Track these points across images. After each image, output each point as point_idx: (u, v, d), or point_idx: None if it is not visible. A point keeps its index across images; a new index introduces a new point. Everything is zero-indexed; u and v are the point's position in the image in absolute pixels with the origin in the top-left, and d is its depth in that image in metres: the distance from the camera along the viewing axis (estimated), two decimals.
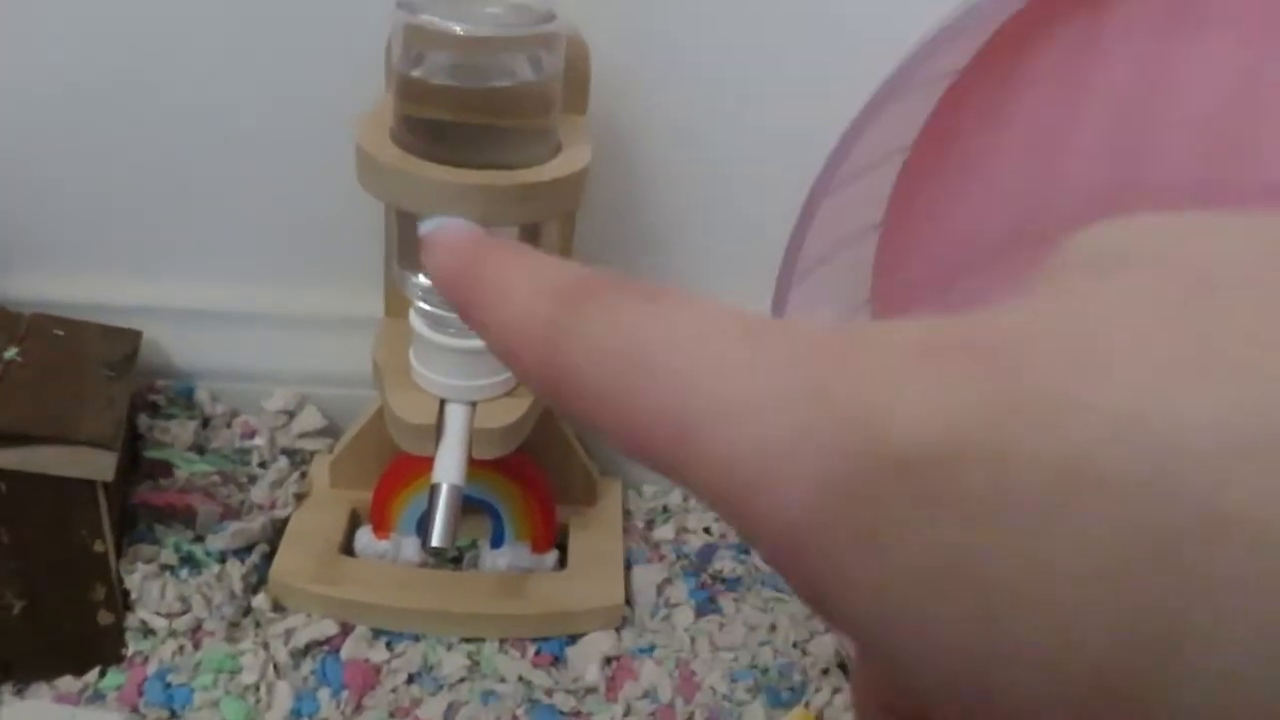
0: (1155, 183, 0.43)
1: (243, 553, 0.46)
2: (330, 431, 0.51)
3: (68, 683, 0.41)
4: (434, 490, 0.38)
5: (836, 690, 0.44)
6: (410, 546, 0.47)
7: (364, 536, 0.47)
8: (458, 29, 0.32)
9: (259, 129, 0.46)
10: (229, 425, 0.50)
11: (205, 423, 0.50)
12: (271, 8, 0.44)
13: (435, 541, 0.37)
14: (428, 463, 0.40)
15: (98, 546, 0.42)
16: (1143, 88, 0.41)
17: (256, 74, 0.45)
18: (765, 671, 0.45)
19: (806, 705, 0.43)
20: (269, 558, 0.46)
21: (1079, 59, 0.41)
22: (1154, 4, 0.39)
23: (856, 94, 0.35)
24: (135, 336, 0.48)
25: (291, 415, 0.51)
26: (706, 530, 0.52)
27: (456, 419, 0.40)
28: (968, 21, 0.34)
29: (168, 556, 0.45)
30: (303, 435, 0.51)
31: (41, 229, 0.49)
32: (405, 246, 0.39)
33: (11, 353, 0.43)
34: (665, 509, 0.53)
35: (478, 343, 0.39)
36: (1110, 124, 0.42)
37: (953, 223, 0.45)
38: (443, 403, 0.40)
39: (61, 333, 0.46)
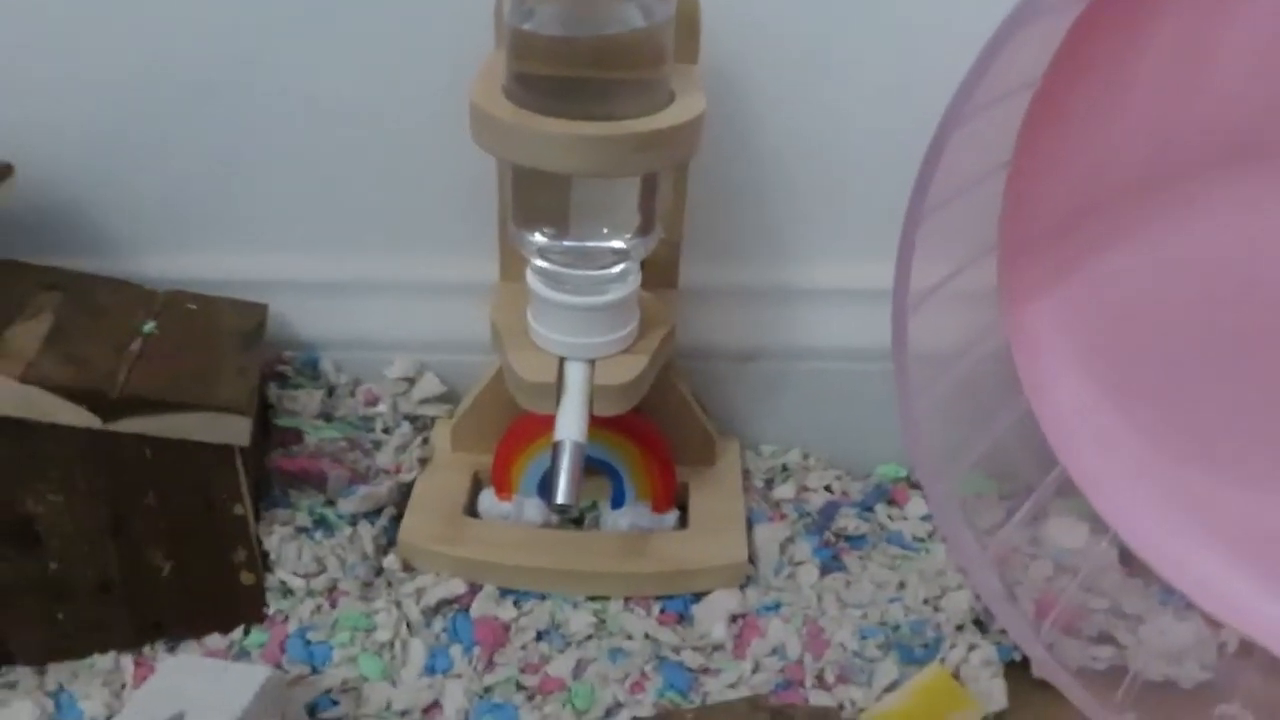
0: None
1: (372, 515, 0.47)
2: (449, 397, 0.52)
3: (214, 640, 0.43)
4: (557, 448, 0.38)
5: (972, 647, 0.43)
6: (532, 507, 0.47)
7: (487, 498, 0.48)
8: None
9: (369, 101, 0.47)
10: (353, 394, 0.52)
11: (330, 391, 0.51)
12: None
13: (560, 499, 0.37)
14: (547, 424, 0.40)
15: (237, 510, 0.44)
16: None
17: (365, 47, 0.46)
18: (896, 629, 0.44)
19: (942, 662, 0.42)
20: (396, 520, 0.47)
21: None
22: None
23: (981, 31, 0.33)
24: (262, 309, 0.49)
25: (411, 382, 0.52)
26: (828, 489, 0.51)
27: (576, 376, 0.40)
28: None
29: (302, 519, 0.46)
30: (423, 401, 0.51)
31: (172, 211, 0.50)
32: (520, 204, 0.39)
33: (149, 326, 0.45)
34: (785, 468, 0.52)
35: (595, 299, 0.39)
36: (1256, 45, 0.39)
37: (1081, 161, 0.43)
38: (562, 361, 0.40)
39: (194, 307, 0.48)
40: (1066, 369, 0.46)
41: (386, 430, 0.50)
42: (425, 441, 0.50)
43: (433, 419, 0.51)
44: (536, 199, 0.38)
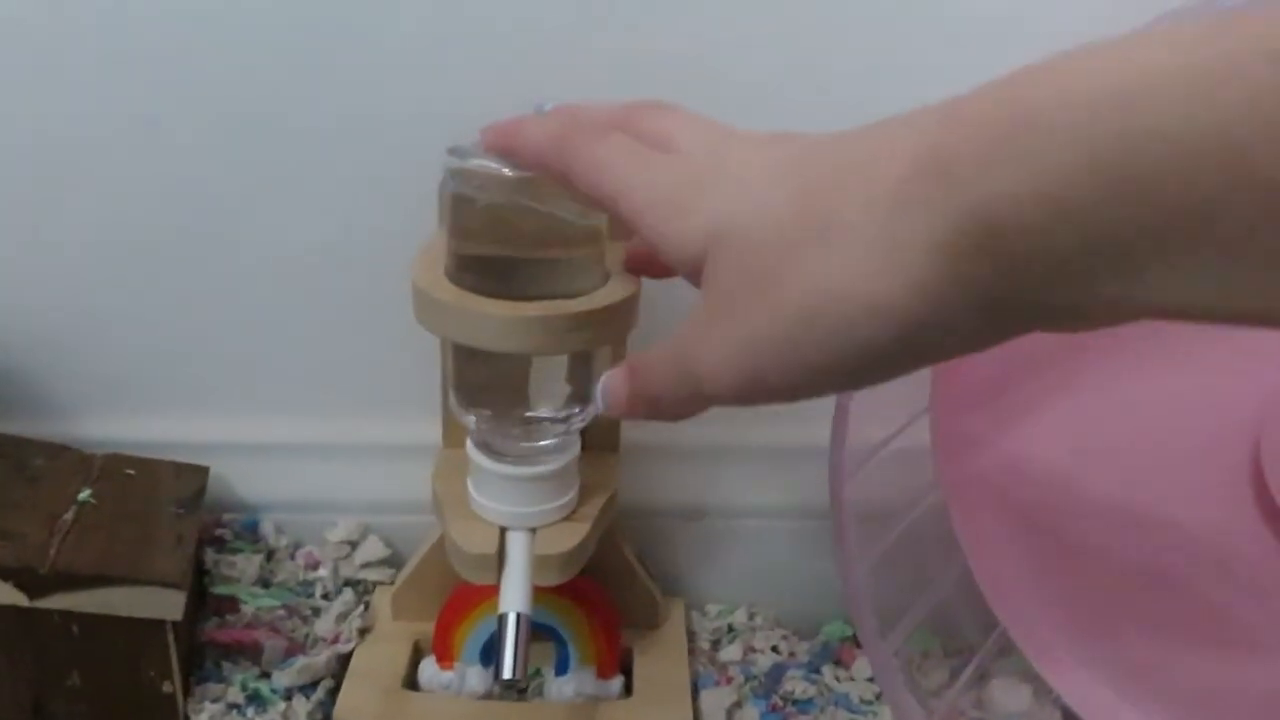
0: None
1: (308, 689, 0.45)
2: (393, 561, 0.52)
3: None
4: (501, 621, 0.38)
5: None
6: (475, 676, 0.46)
7: (428, 668, 0.47)
8: (507, 172, 0.33)
9: (312, 265, 0.48)
10: (293, 557, 0.51)
11: (270, 555, 0.51)
12: (326, 149, 0.46)
13: (506, 674, 0.37)
14: (490, 590, 0.39)
15: (166, 687, 0.42)
16: None
17: (312, 214, 0.47)
18: None
19: None
20: (334, 692, 0.45)
21: None
22: None
23: None
24: (203, 473, 0.49)
25: (354, 545, 0.51)
26: (774, 649, 0.51)
27: (518, 546, 0.39)
28: None
29: (234, 695, 0.45)
30: (365, 565, 0.51)
31: (114, 374, 0.50)
32: (461, 379, 0.39)
33: (85, 494, 0.44)
34: (731, 628, 0.52)
35: (536, 469, 0.39)
36: None
37: None
38: (503, 531, 0.40)
39: (133, 472, 0.47)
40: (1002, 528, 0.47)
41: (326, 596, 0.49)
42: (366, 608, 0.49)
43: (374, 584, 0.51)
44: (477, 373, 0.39)
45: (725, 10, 0.43)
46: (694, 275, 0.25)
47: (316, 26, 0.43)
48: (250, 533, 0.51)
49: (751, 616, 0.53)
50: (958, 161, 0.19)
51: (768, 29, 0.44)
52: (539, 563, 0.40)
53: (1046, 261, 0.18)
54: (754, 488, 0.52)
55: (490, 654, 0.45)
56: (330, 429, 0.51)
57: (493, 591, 0.39)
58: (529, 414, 0.39)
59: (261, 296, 0.49)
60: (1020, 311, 0.20)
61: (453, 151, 0.35)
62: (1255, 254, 0.16)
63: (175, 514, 0.45)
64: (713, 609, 0.53)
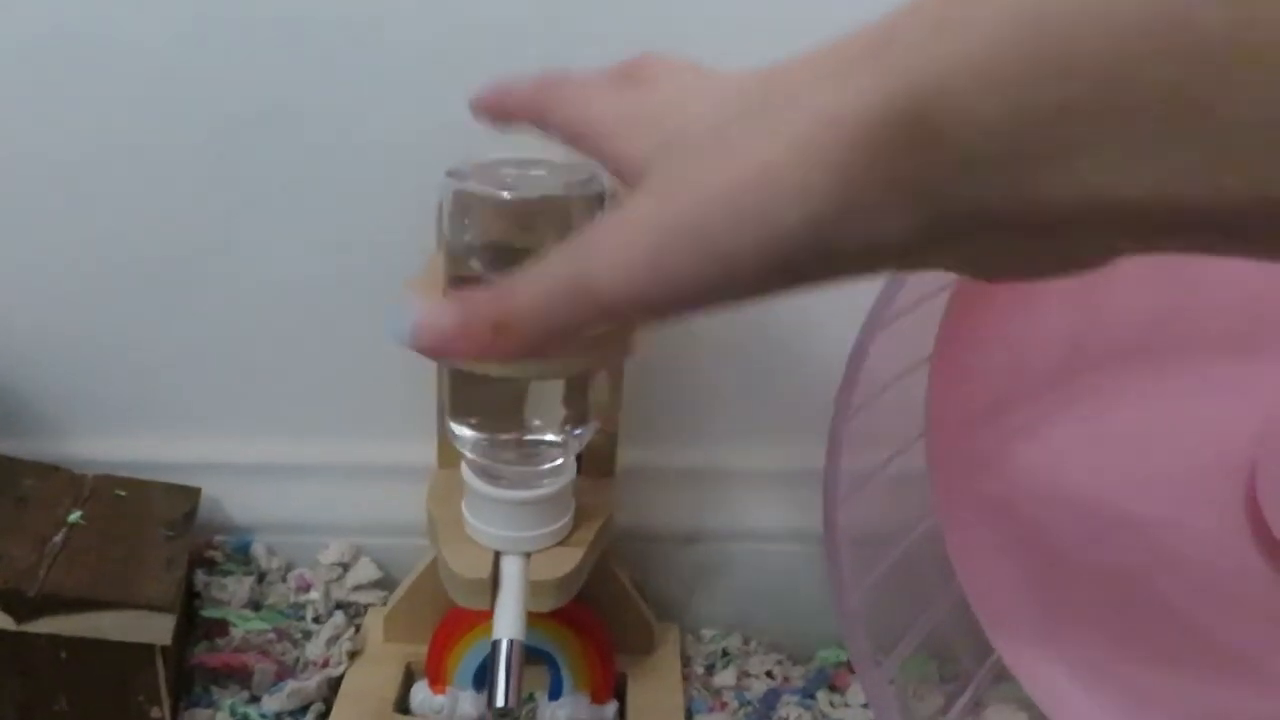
0: (1207, 306, 0.42)
1: (298, 714, 0.45)
2: (385, 584, 0.51)
3: None
4: (494, 647, 0.37)
5: None
6: (467, 700, 0.46)
7: (420, 692, 0.46)
8: (505, 195, 0.33)
9: (307, 287, 0.48)
10: (284, 579, 0.50)
11: (261, 578, 0.50)
12: (320, 168, 0.45)
13: (499, 702, 0.36)
14: (484, 613, 0.39)
15: (155, 713, 0.42)
16: None
17: (304, 234, 0.47)
18: None
19: None
20: (324, 718, 0.45)
21: None
22: None
23: None
24: (195, 494, 0.49)
25: (346, 568, 0.51)
26: (769, 675, 0.51)
27: (512, 571, 0.39)
28: None
29: None
30: (357, 588, 0.50)
31: (104, 392, 0.50)
32: (456, 401, 0.39)
33: (75, 516, 0.44)
34: (725, 653, 0.52)
35: (530, 493, 0.39)
36: (1143, 268, 0.41)
37: (1004, 350, 0.45)
38: (497, 555, 0.40)
39: (123, 493, 0.47)
40: (997, 553, 0.47)
41: (317, 619, 0.49)
42: (357, 631, 0.49)
43: (366, 607, 0.50)
44: (473, 396, 0.39)
45: (724, 31, 0.44)
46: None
47: (312, 47, 0.43)
48: (242, 554, 0.51)
49: (746, 641, 0.52)
50: (895, 40, 0.18)
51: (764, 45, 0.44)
52: (533, 588, 0.39)
53: (972, 141, 0.17)
54: (749, 512, 0.52)
55: (484, 678, 0.45)
56: (322, 450, 0.51)
57: (487, 615, 0.39)
58: (525, 437, 0.39)
59: (254, 317, 0.49)
60: (950, 215, 0.18)
61: (451, 174, 0.34)
62: (1188, 125, 0.15)
63: (166, 536, 0.45)
64: (707, 633, 0.53)
